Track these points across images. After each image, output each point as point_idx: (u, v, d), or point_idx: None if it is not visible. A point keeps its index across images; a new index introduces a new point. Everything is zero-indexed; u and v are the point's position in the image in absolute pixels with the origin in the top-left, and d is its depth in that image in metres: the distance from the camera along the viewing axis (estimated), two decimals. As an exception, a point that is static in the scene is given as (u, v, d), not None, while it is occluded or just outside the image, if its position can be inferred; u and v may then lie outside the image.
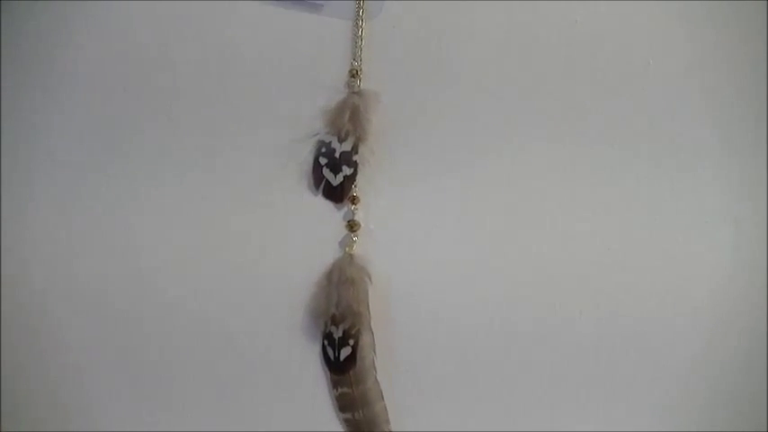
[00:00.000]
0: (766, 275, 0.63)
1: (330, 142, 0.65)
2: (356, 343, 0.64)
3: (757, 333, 0.64)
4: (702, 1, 0.64)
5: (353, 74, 0.66)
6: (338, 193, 0.65)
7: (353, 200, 0.65)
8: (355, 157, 0.65)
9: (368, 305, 0.64)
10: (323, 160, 0.65)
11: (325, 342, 0.64)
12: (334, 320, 0.64)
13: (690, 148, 0.64)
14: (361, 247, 0.65)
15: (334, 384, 0.65)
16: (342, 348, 0.64)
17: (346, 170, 0.65)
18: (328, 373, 0.65)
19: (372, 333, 0.64)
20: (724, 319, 0.64)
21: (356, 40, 0.67)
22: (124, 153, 0.67)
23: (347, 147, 0.65)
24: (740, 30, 0.64)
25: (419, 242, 0.65)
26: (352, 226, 0.65)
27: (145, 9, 0.68)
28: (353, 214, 0.65)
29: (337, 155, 0.65)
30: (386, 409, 0.64)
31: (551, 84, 0.65)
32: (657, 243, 0.64)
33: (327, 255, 0.65)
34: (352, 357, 0.64)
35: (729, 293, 0.64)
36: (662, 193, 0.65)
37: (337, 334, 0.64)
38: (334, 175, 0.65)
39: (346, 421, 0.65)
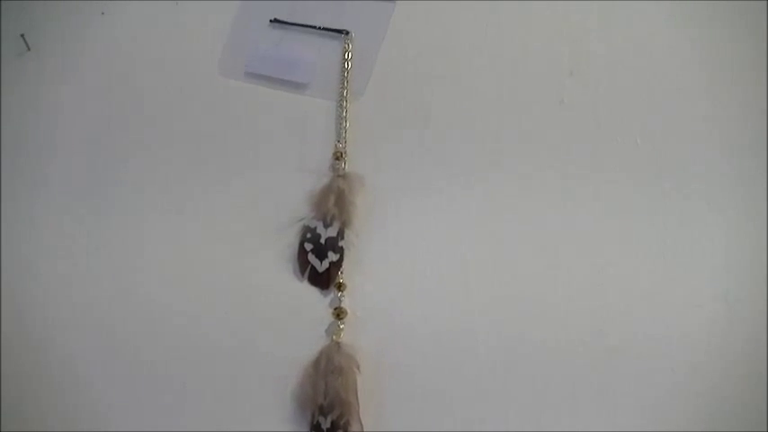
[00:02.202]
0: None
1: (315, 227, 0.64)
2: (345, 434, 0.62)
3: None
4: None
5: (338, 156, 0.65)
6: (324, 280, 0.64)
7: (340, 286, 0.64)
8: (341, 243, 0.64)
9: (357, 395, 0.63)
10: (308, 246, 0.64)
11: (314, 433, 0.63)
12: (322, 411, 0.62)
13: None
14: (348, 334, 0.64)
15: (323, 477, 0.63)
16: (330, 440, 0.62)
17: (332, 256, 0.64)
18: (317, 465, 0.63)
19: (362, 424, 0.63)
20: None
21: (340, 120, 0.65)
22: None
23: (333, 232, 0.64)
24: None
25: (408, 330, 0.64)
26: (338, 313, 0.64)
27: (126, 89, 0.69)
28: (340, 301, 0.64)
29: (323, 240, 0.64)
30: (378, 504, 0.63)
31: (540, 161, 0.64)
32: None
33: (314, 343, 0.64)
34: (341, 449, 0.62)
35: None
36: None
37: (325, 425, 0.62)
38: (319, 262, 0.64)
39: None
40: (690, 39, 0.64)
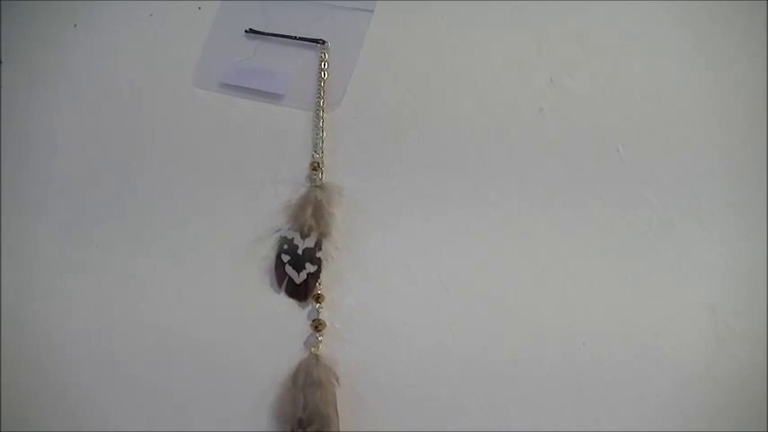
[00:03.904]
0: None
1: (293, 239, 0.63)
2: (324, 448, 0.61)
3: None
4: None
5: (315, 166, 0.64)
6: (302, 292, 0.63)
7: (318, 298, 0.63)
8: (319, 254, 0.63)
9: (336, 408, 0.62)
10: (285, 257, 0.63)
11: (293, 447, 0.62)
12: (301, 424, 0.61)
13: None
14: (327, 347, 0.63)
15: (303, 492, 0.62)
16: (310, 454, 0.61)
17: (310, 267, 0.63)
18: (296, 480, 0.62)
19: (341, 438, 0.61)
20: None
21: (317, 131, 0.65)
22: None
23: (310, 243, 0.63)
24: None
25: (388, 341, 0.63)
26: (317, 325, 0.63)
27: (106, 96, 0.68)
28: (318, 313, 0.63)
29: (300, 251, 0.63)
30: None
31: (521, 172, 0.64)
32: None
33: (292, 356, 0.63)
34: (320, 463, 0.61)
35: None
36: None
37: (305, 439, 0.61)
38: (297, 273, 0.63)
39: None
40: (674, 43, 0.64)
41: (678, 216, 0.62)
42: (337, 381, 0.62)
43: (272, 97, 0.66)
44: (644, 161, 0.62)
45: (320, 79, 0.66)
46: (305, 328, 0.64)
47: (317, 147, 0.65)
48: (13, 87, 0.69)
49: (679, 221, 0.62)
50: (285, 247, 0.64)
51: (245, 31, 0.67)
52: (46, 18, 0.69)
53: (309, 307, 0.64)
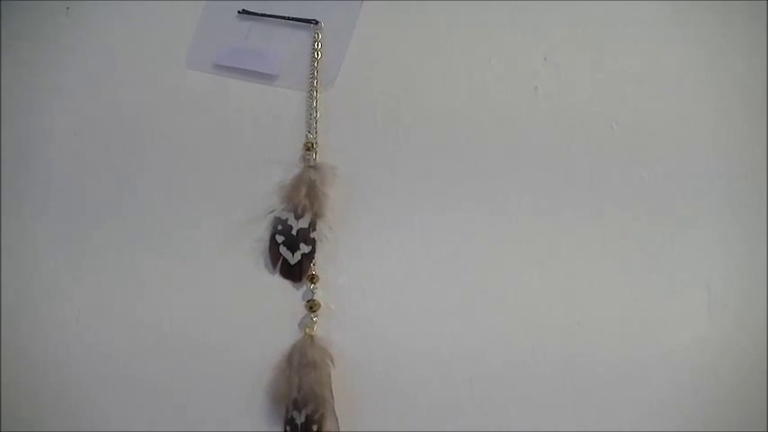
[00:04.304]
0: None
1: (287, 219, 0.63)
2: (320, 429, 0.61)
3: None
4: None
5: (309, 147, 0.64)
6: (296, 272, 0.63)
7: (312, 279, 0.63)
8: (313, 234, 0.63)
9: (331, 389, 0.61)
10: (279, 238, 0.63)
11: (288, 428, 0.62)
12: (296, 405, 0.61)
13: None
14: (321, 327, 0.63)
15: (298, 473, 0.62)
16: (305, 435, 0.61)
17: (304, 248, 0.63)
18: (291, 460, 0.62)
19: (337, 418, 0.61)
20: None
21: (311, 111, 0.64)
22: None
23: (304, 223, 0.63)
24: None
25: (383, 321, 0.63)
26: (311, 306, 0.63)
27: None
28: (313, 294, 0.63)
29: (294, 232, 0.63)
30: (353, 500, 0.62)
31: (516, 152, 0.63)
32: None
33: (287, 336, 0.63)
34: (315, 444, 0.61)
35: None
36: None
37: (300, 419, 0.61)
38: (291, 254, 0.63)
39: None
40: (671, 21, 0.63)
41: (671, 195, 0.61)
42: (332, 361, 0.62)
43: (266, 78, 0.66)
44: (638, 138, 0.62)
45: (314, 59, 0.65)
46: (299, 308, 0.63)
47: (310, 127, 0.65)
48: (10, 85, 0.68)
49: (672, 201, 0.61)
50: (279, 227, 0.63)
51: (238, 12, 0.67)
52: (41, 12, 0.68)
53: (304, 288, 0.64)
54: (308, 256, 0.63)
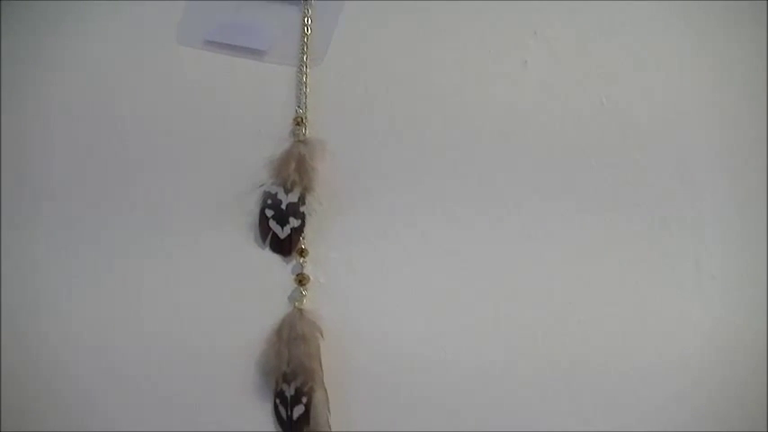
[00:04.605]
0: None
1: (276, 193, 0.63)
2: (309, 401, 0.61)
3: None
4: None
5: (298, 122, 0.65)
6: (286, 246, 0.63)
7: (302, 252, 0.63)
8: (302, 209, 0.63)
9: (320, 361, 0.62)
10: (269, 212, 0.63)
11: (277, 401, 0.62)
12: (286, 378, 0.62)
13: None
14: (311, 301, 0.63)
15: (288, 445, 0.62)
16: (294, 407, 0.61)
17: (293, 222, 0.63)
18: (281, 432, 0.62)
19: (326, 390, 0.62)
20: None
21: (300, 86, 0.65)
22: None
23: (294, 198, 0.63)
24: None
25: (371, 295, 0.63)
26: (301, 280, 0.63)
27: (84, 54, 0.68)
28: (302, 267, 0.63)
29: (284, 206, 0.63)
30: (342, 471, 0.62)
31: (505, 128, 0.64)
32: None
33: (276, 310, 0.63)
34: (305, 416, 0.61)
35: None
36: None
37: (289, 392, 0.61)
38: (281, 228, 0.63)
39: (301, 483, 0.62)
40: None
41: (668, 175, 0.61)
42: (321, 334, 0.62)
43: (256, 53, 0.66)
44: (627, 109, 0.62)
45: (304, 35, 0.66)
46: (289, 282, 0.64)
47: (300, 102, 0.65)
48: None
49: (669, 181, 0.61)
50: (269, 202, 0.64)
51: (229, -12, 0.67)
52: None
53: (293, 262, 0.64)
54: (298, 231, 0.63)
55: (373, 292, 0.63)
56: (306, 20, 0.66)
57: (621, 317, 0.62)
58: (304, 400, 0.61)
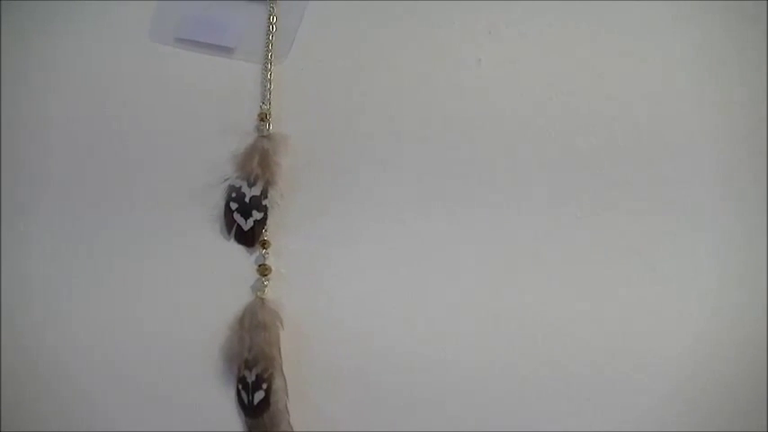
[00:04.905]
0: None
1: (240, 187, 0.66)
2: (269, 387, 0.64)
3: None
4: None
5: (263, 117, 0.67)
6: (249, 238, 0.66)
7: (264, 244, 0.66)
8: (265, 202, 0.66)
9: (279, 349, 0.64)
10: (233, 205, 0.66)
11: (240, 386, 0.65)
12: (247, 365, 0.64)
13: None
14: (272, 291, 0.66)
15: (250, 429, 0.65)
16: (255, 392, 0.64)
17: (256, 215, 0.66)
18: (243, 417, 0.65)
19: (284, 377, 0.64)
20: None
21: (265, 83, 0.67)
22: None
23: (256, 191, 0.65)
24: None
25: (330, 285, 0.65)
26: (263, 270, 0.65)
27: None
28: (264, 258, 0.66)
29: (247, 199, 0.66)
30: (301, 453, 0.65)
31: (483, 116, 0.66)
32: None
33: (240, 299, 0.66)
34: (265, 401, 0.64)
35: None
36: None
37: (250, 378, 0.64)
38: (244, 220, 0.66)
39: (262, 466, 0.65)
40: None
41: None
42: (281, 323, 0.65)
43: (223, 50, 0.68)
44: (575, 109, 0.63)
45: (269, 32, 0.68)
46: (252, 272, 0.66)
47: (264, 98, 0.67)
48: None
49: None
50: (233, 195, 0.66)
51: (199, -14, 0.69)
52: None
53: (257, 252, 0.66)
54: (260, 223, 0.66)
55: (332, 283, 0.65)
56: (271, 18, 0.68)
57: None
58: (264, 385, 0.64)
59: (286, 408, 0.64)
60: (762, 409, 0.62)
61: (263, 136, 0.66)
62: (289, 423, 0.65)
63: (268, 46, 0.67)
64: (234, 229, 0.66)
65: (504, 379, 0.63)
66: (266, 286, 0.65)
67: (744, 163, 0.63)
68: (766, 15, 0.63)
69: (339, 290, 0.65)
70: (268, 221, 0.66)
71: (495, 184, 0.65)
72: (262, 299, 0.65)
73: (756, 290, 0.62)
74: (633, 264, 0.63)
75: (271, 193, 0.66)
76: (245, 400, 0.64)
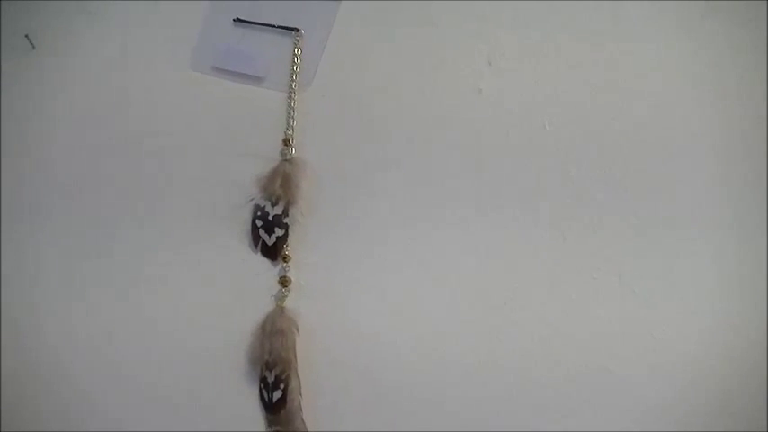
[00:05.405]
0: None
1: (264, 206, 0.73)
2: (286, 387, 0.71)
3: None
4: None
5: (286, 142, 0.73)
6: (273, 252, 0.73)
7: (286, 258, 0.73)
8: (286, 220, 0.72)
9: (295, 353, 0.71)
10: (258, 222, 0.73)
11: (261, 385, 0.72)
12: (268, 366, 0.72)
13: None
14: (292, 300, 0.72)
15: (269, 423, 0.73)
16: (274, 391, 0.71)
17: (278, 231, 0.72)
18: (264, 413, 0.73)
19: (299, 378, 0.71)
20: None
21: (289, 110, 0.73)
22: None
23: (279, 210, 0.72)
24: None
25: (344, 296, 0.72)
26: (283, 282, 0.72)
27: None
28: (286, 271, 0.73)
29: (270, 218, 0.72)
30: (311, 448, 0.72)
31: (483, 142, 0.71)
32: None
33: (264, 307, 0.73)
34: (282, 399, 0.71)
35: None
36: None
37: (270, 378, 0.71)
38: (268, 236, 0.73)
39: (279, 457, 0.72)
40: (609, 26, 0.68)
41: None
42: (297, 330, 0.72)
43: (253, 79, 0.75)
44: (568, 136, 0.68)
45: (294, 63, 0.74)
46: (275, 283, 0.73)
47: (288, 125, 0.73)
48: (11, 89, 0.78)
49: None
50: (258, 213, 0.73)
51: (233, 20, 0.76)
52: (63, 5, 0.78)
53: (280, 265, 0.73)
54: (282, 239, 0.73)
55: (348, 294, 0.72)
56: (296, 50, 0.74)
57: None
58: (282, 385, 0.71)
59: (300, 406, 0.71)
60: (762, 410, 0.65)
61: (286, 160, 0.73)
62: (302, 420, 0.72)
63: (292, 76, 0.73)
64: (260, 243, 0.73)
65: (509, 383, 0.69)
66: (286, 296, 0.72)
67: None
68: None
69: (352, 300, 0.72)
70: (289, 238, 0.73)
71: (500, 205, 0.70)
72: (281, 307, 0.72)
73: (756, 290, 0.66)
74: (633, 266, 0.68)
75: (292, 212, 0.72)
76: (266, 398, 0.72)
